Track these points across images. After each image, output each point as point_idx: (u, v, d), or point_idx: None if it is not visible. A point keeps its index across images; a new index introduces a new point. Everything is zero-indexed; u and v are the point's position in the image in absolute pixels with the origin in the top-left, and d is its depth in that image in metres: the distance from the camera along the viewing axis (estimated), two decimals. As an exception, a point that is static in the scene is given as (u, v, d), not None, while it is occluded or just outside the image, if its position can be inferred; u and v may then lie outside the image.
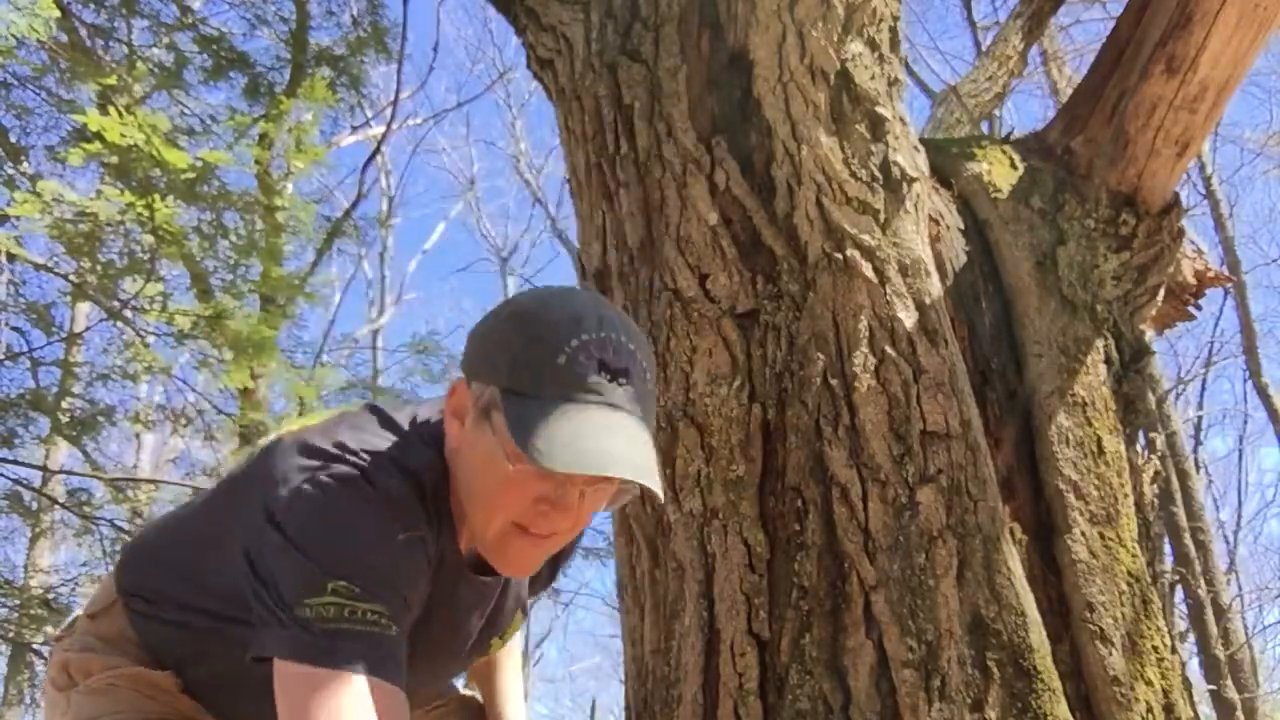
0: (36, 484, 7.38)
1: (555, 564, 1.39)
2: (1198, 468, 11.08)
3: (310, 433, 1.13)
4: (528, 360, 1.02)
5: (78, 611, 1.36)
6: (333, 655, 0.97)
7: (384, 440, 1.11)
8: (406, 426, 1.16)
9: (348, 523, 1.02)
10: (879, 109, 2.52)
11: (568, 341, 1.01)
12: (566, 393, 1.00)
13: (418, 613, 1.11)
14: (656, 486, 0.99)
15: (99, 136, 4.67)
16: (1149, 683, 2.25)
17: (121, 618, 1.27)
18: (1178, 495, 8.57)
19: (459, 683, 1.57)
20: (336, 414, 1.22)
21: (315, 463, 1.06)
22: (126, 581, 1.29)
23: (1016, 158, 2.96)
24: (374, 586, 1.00)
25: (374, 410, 1.18)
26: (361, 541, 1.01)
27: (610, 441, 0.98)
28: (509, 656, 1.51)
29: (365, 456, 1.07)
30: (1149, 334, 3.01)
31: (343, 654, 0.97)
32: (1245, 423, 14.21)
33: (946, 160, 2.91)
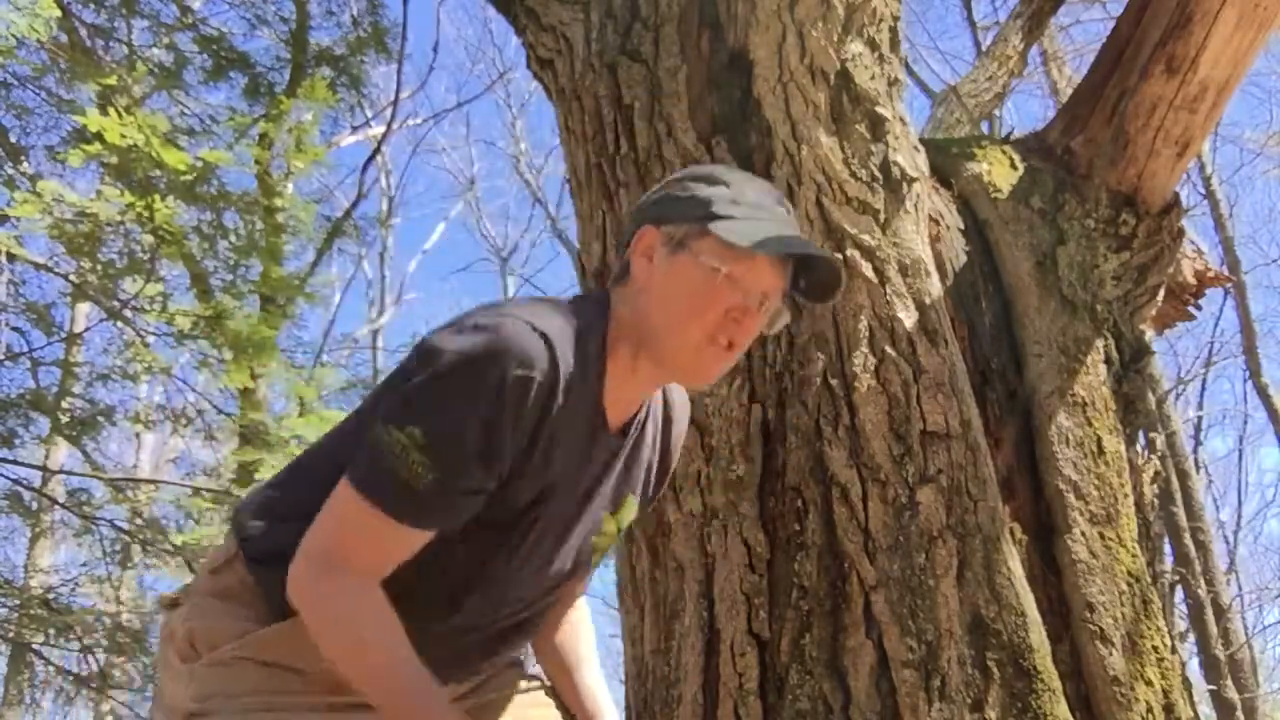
0: (36, 484, 7.37)
1: (662, 478, 1.48)
2: (1198, 468, 11.08)
3: None
4: (722, 197, 1.26)
5: (198, 571, 1.36)
6: (372, 488, 1.13)
7: (550, 309, 1.23)
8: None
9: (463, 376, 1.12)
10: (879, 109, 2.52)
11: (746, 184, 1.31)
12: (760, 212, 1.27)
13: (532, 478, 1.20)
14: (840, 267, 1.29)
15: (99, 137, 4.67)
16: (1149, 683, 2.25)
17: (242, 568, 1.27)
18: (1178, 495, 8.57)
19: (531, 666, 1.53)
20: None
21: (473, 314, 1.19)
22: (247, 524, 1.29)
23: (1016, 158, 2.96)
24: (441, 444, 1.12)
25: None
26: (459, 404, 1.12)
27: (800, 239, 1.27)
28: (589, 653, 1.51)
29: (522, 313, 1.18)
30: (1149, 334, 3.01)
31: (379, 488, 1.13)
32: (1245, 423, 14.22)
33: (946, 160, 2.91)
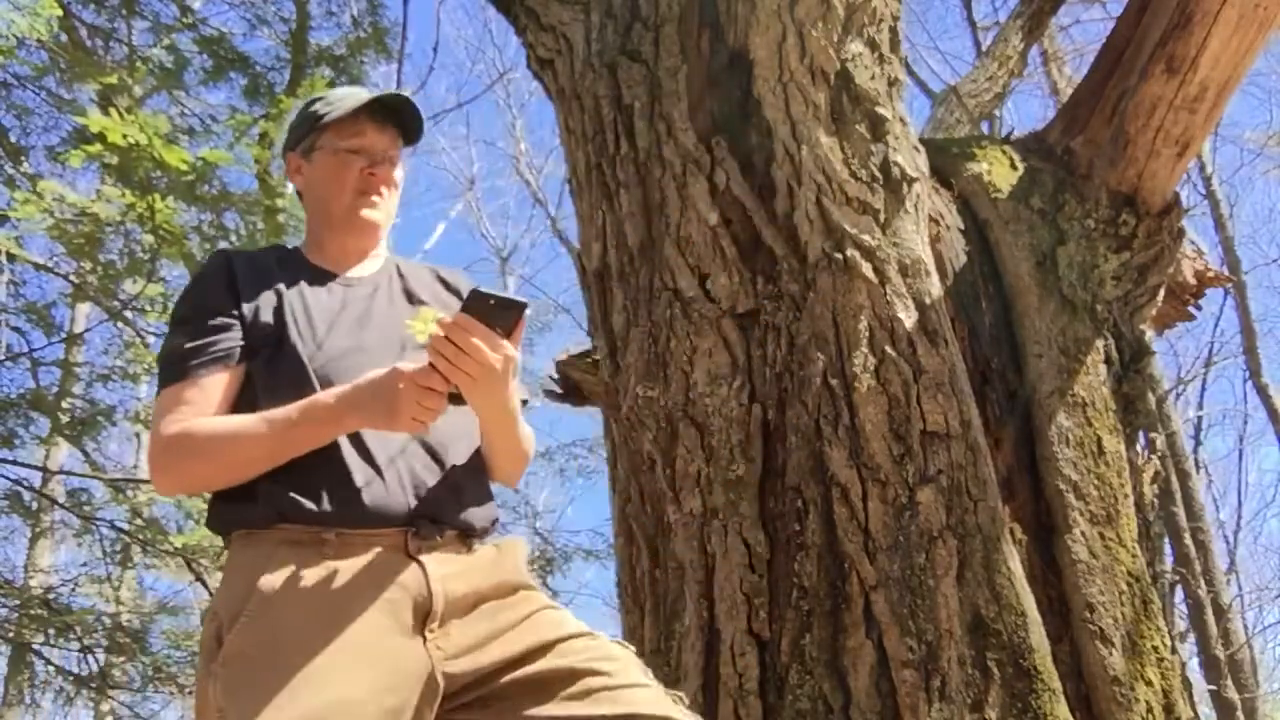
0: (36, 484, 7.37)
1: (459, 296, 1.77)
2: (1198, 468, 11.07)
3: None
4: (320, 106, 1.69)
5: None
6: (160, 383, 1.54)
7: None
8: None
9: (183, 298, 1.64)
10: (879, 109, 2.52)
11: (335, 89, 1.77)
12: (347, 100, 1.68)
13: (272, 315, 1.58)
14: (406, 95, 1.70)
15: (99, 137, 4.66)
16: (1149, 683, 2.25)
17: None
18: (1178, 495, 8.56)
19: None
20: None
21: None
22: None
23: (1016, 158, 2.96)
24: (178, 319, 1.58)
25: None
26: (181, 306, 1.62)
27: (370, 94, 1.69)
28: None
29: None
30: (1149, 334, 3.01)
31: (162, 379, 1.54)
32: (1245, 423, 14.19)
33: (946, 160, 2.91)
